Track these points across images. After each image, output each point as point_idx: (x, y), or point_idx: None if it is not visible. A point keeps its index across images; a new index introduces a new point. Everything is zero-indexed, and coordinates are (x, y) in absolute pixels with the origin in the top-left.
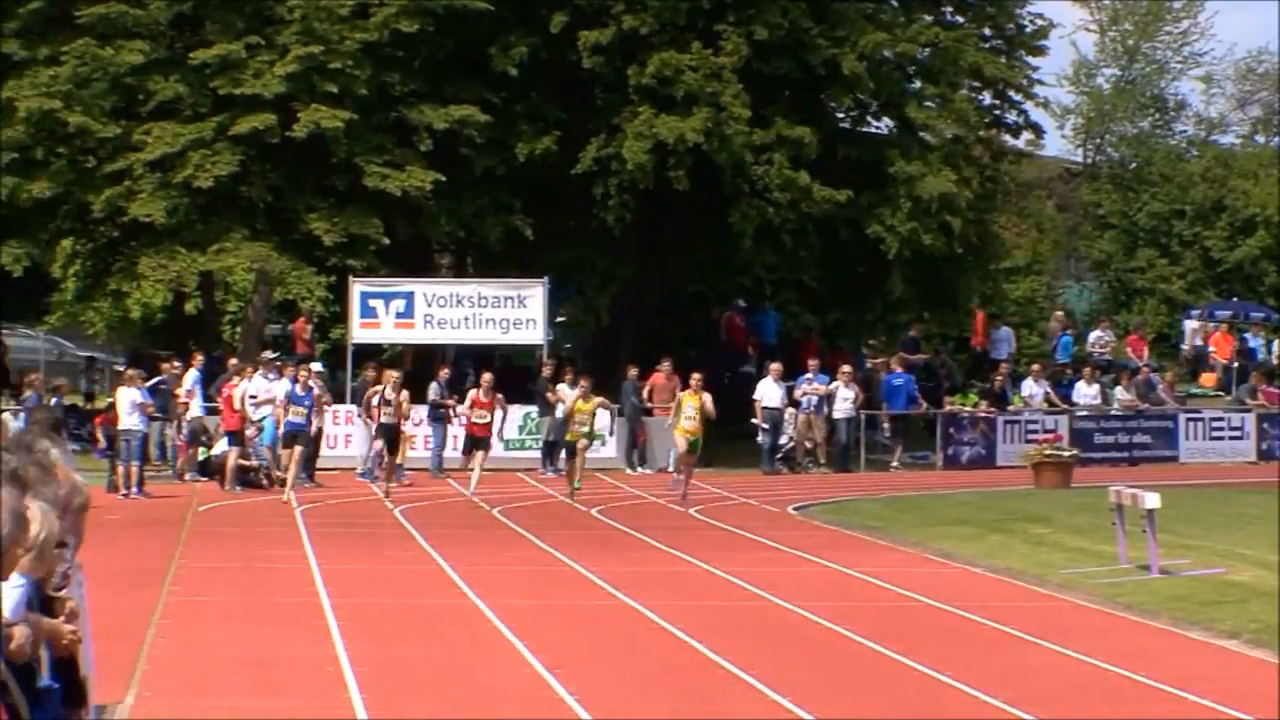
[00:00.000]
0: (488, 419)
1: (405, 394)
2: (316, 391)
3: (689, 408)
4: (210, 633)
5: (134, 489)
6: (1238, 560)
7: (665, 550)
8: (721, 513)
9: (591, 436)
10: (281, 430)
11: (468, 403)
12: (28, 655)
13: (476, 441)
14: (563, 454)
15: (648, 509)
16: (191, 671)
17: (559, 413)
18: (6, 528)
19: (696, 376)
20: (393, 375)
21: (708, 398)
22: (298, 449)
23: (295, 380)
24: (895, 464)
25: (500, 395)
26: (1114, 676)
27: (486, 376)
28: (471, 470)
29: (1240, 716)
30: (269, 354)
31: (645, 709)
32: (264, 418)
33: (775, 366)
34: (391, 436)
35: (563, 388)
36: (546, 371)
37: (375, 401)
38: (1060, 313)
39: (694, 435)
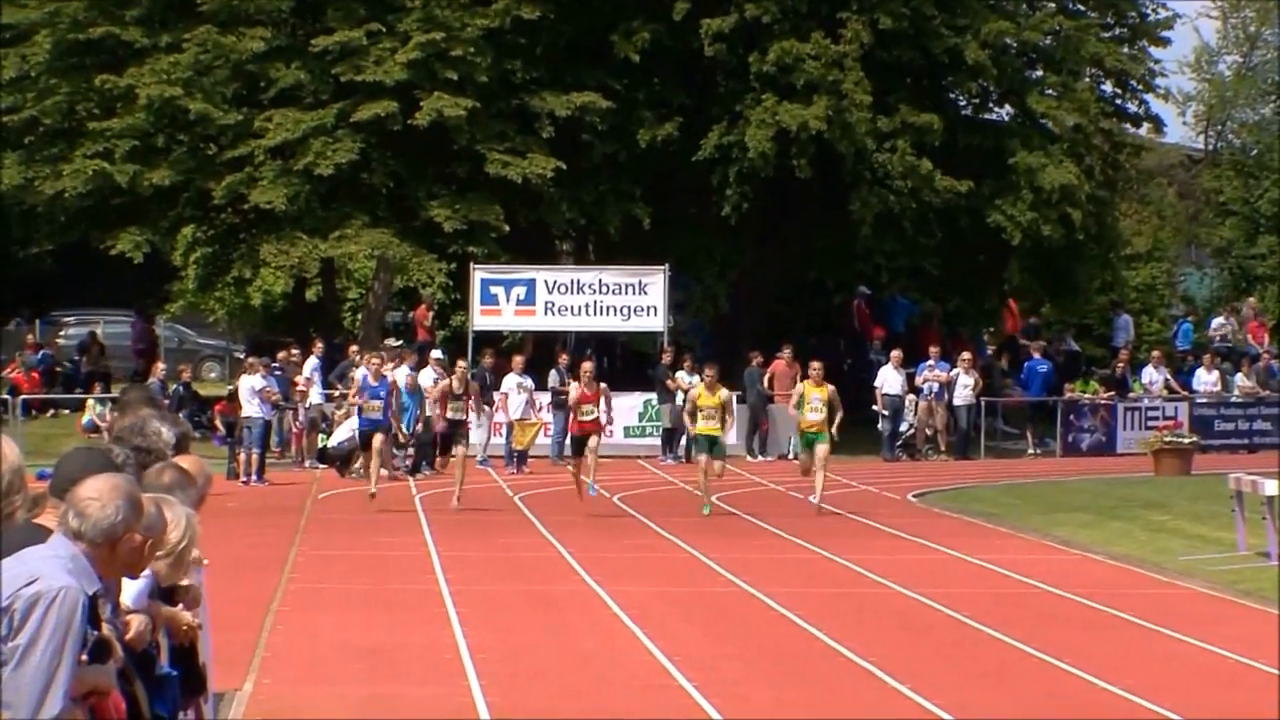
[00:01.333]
0: (594, 414)
1: (475, 387)
2: (431, 383)
3: (814, 399)
4: (329, 620)
5: (254, 476)
6: None
7: (785, 537)
8: (841, 500)
9: (721, 450)
10: (356, 429)
11: (572, 398)
12: (146, 643)
13: (582, 443)
14: (683, 443)
15: (768, 496)
16: (310, 659)
17: (679, 400)
18: (122, 514)
19: (816, 366)
20: (460, 366)
21: (832, 390)
22: (376, 442)
23: (367, 368)
24: (1031, 450)
25: (604, 384)
26: (1233, 664)
27: (587, 366)
28: (583, 478)
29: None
30: (392, 341)
31: (764, 696)
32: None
33: (895, 354)
34: (456, 432)
35: (681, 375)
36: (666, 359)
37: (436, 396)
38: (1253, 299)
39: (819, 430)
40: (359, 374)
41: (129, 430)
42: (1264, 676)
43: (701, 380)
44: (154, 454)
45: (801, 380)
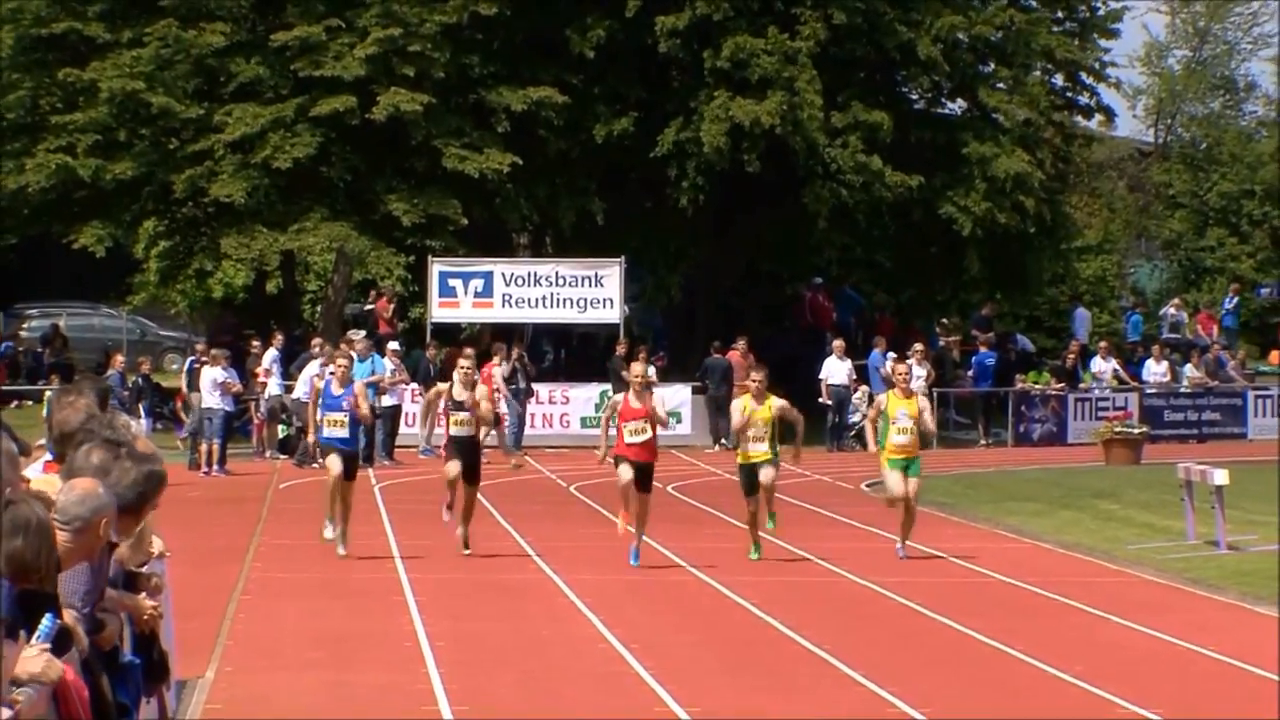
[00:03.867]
0: (648, 434)
1: (483, 389)
2: (388, 373)
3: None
4: (290, 608)
5: (215, 467)
6: None
7: (740, 526)
8: (794, 490)
9: (775, 462)
10: (315, 438)
11: (609, 409)
12: (114, 642)
13: (637, 472)
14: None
15: (723, 485)
16: (271, 647)
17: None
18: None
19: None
20: (463, 365)
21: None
22: (335, 467)
23: (331, 374)
24: (983, 441)
25: (656, 393)
26: (1181, 650)
27: (637, 368)
28: (631, 530)
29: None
30: (355, 333)
31: (718, 682)
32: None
33: (839, 344)
34: (468, 455)
35: (635, 365)
36: (621, 350)
37: (442, 406)
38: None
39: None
40: (310, 374)
41: (99, 423)
42: (1212, 662)
43: (748, 390)
44: (124, 445)
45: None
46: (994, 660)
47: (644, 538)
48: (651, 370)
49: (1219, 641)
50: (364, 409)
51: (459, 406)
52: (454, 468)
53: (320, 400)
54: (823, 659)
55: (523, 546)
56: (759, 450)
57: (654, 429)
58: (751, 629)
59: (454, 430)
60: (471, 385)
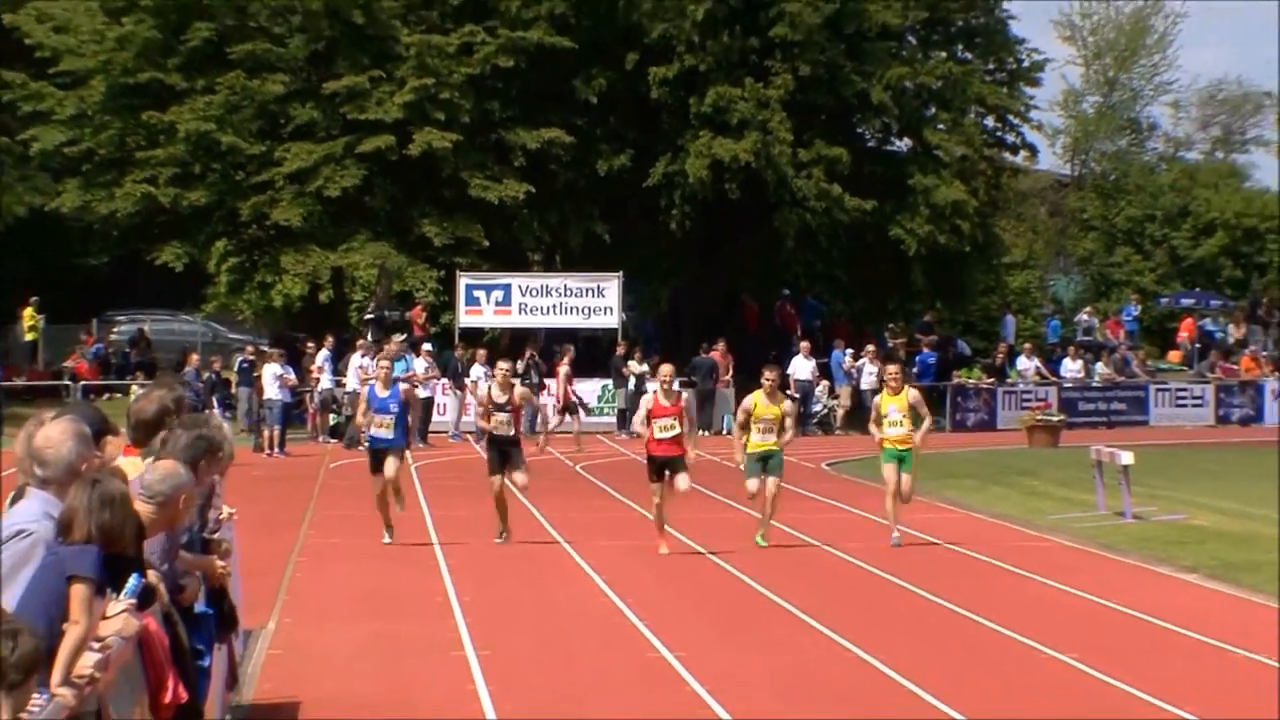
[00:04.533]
0: (676, 430)
1: (520, 389)
2: (422, 370)
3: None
4: (339, 569)
5: (276, 449)
6: (1197, 508)
7: (721, 500)
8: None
9: (777, 465)
10: (365, 441)
11: (642, 413)
12: (196, 598)
13: (662, 466)
14: (627, 425)
15: (707, 466)
16: (323, 601)
17: (630, 385)
18: (76, 450)
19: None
20: (502, 367)
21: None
22: (389, 469)
23: (375, 379)
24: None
25: (687, 395)
26: (1093, 605)
27: (666, 369)
28: (656, 507)
29: (1198, 638)
30: (397, 336)
31: (707, 633)
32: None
33: (804, 345)
34: (507, 452)
35: (632, 363)
36: (621, 350)
37: (481, 408)
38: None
39: (768, 448)
40: (355, 364)
41: (194, 421)
42: (1118, 614)
43: (761, 385)
44: (214, 443)
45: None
46: (933, 613)
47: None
48: (645, 368)
49: (1124, 597)
50: (418, 386)
51: (500, 408)
52: (496, 481)
53: (367, 404)
54: (787, 610)
55: (539, 518)
56: (768, 441)
57: (683, 425)
58: (728, 587)
59: (495, 430)
60: (509, 388)
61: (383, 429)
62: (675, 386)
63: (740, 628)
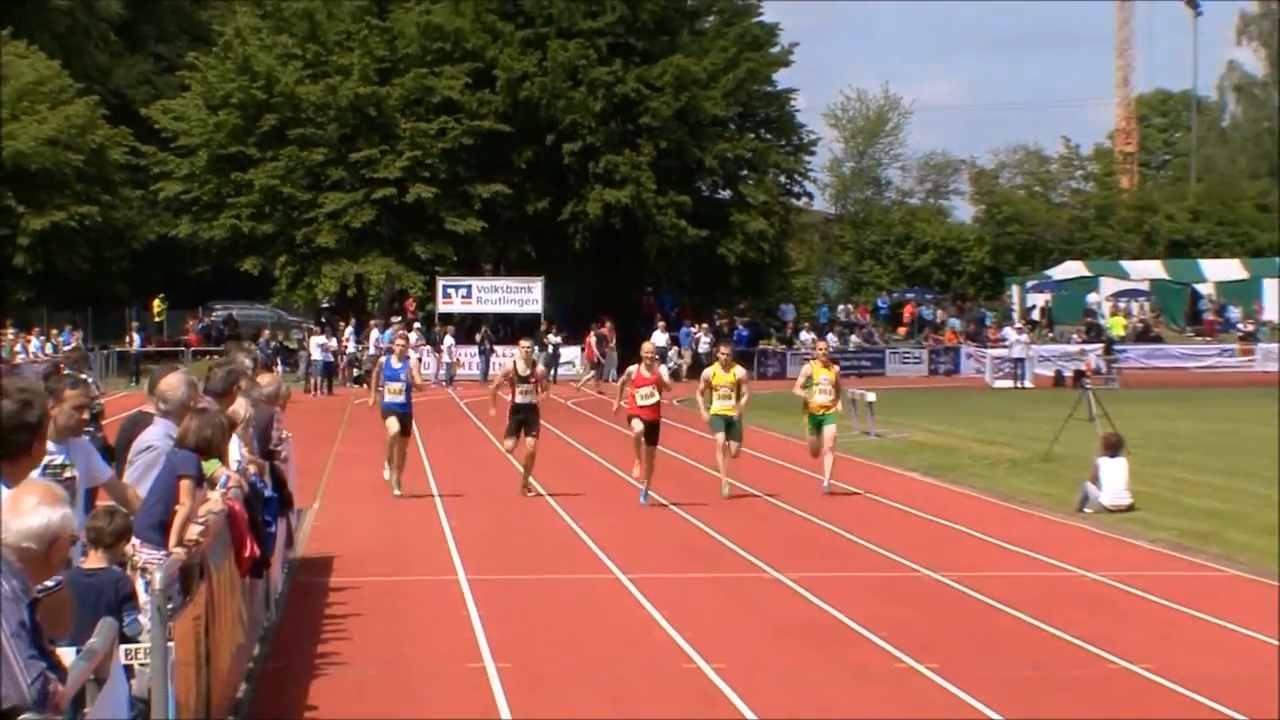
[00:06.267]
0: (655, 398)
1: (541, 368)
2: (413, 360)
3: (723, 387)
4: (361, 471)
5: (319, 392)
6: (917, 429)
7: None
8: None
9: (737, 431)
10: (376, 399)
11: (624, 379)
12: (252, 476)
13: (649, 427)
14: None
15: (599, 402)
16: (350, 492)
17: (550, 350)
18: (186, 392)
19: (724, 351)
20: (524, 344)
21: (742, 373)
22: (393, 427)
23: (390, 351)
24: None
25: (663, 368)
26: (850, 495)
27: (648, 346)
28: (638, 465)
29: (913, 512)
30: (397, 319)
31: (660, 563)
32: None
33: (661, 324)
34: (530, 417)
35: (550, 336)
36: (543, 327)
37: (499, 382)
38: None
39: (728, 412)
40: (374, 337)
41: (227, 362)
42: (863, 499)
43: (717, 359)
44: (235, 370)
45: (711, 366)
46: (763, 506)
47: (650, 490)
48: (559, 339)
49: (871, 486)
50: (417, 379)
51: (523, 380)
52: (510, 443)
53: (383, 373)
54: (707, 532)
55: (509, 459)
56: (726, 405)
57: (660, 393)
58: (685, 528)
59: (519, 399)
60: (532, 364)
61: (395, 395)
62: (671, 363)
63: (682, 552)
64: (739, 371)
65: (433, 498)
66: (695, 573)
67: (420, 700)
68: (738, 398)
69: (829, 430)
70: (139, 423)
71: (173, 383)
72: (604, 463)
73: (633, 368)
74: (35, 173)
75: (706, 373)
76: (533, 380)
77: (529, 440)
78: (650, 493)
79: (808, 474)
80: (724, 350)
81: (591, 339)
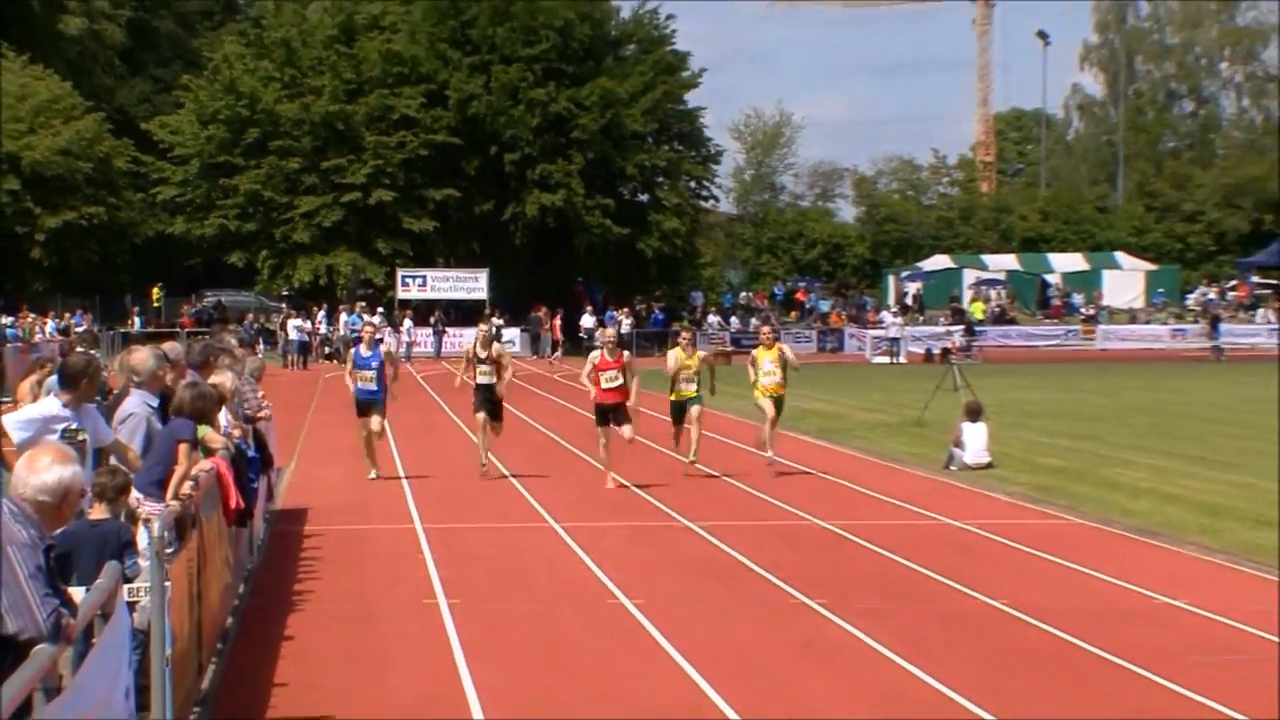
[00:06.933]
0: (619, 381)
1: (499, 347)
2: (385, 348)
3: (689, 369)
4: (333, 435)
5: (296, 368)
6: (808, 399)
7: (541, 395)
8: (563, 384)
9: (698, 399)
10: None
11: (589, 367)
12: (237, 440)
13: (607, 412)
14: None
15: (538, 378)
16: (323, 453)
17: (491, 329)
18: (156, 364)
19: (685, 335)
20: (482, 328)
21: (705, 355)
22: (374, 424)
23: (359, 339)
24: (659, 353)
25: (627, 352)
26: (754, 455)
27: (609, 333)
28: (603, 448)
29: (805, 470)
30: (361, 303)
31: (599, 515)
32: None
33: (589, 309)
34: (491, 399)
35: (494, 319)
36: (487, 310)
37: (466, 361)
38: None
39: (690, 396)
40: (344, 320)
41: (214, 339)
42: (761, 458)
43: (679, 344)
44: (211, 345)
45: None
46: (646, 453)
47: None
48: (501, 321)
49: (774, 450)
50: (396, 365)
51: (482, 361)
52: (482, 417)
53: (353, 361)
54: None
55: (459, 425)
56: (689, 390)
57: (625, 377)
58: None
59: (479, 379)
60: (489, 344)
61: (366, 382)
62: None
63: (607, 505)
64: (701, 355)
65: (393, 458)
66: (618, 521)
67: (381, 631)
68: (699, 382)
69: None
70: (120, 396)
71: (143, 357)
72: (541, 429)
73: (595, 353)
74: (50, 179)
75: (671, 354)
76: (491, 362)
77: (492, 424)
78: (614, 475)
79: (730, 444)
80: (685, 334)
81: (557, 321)
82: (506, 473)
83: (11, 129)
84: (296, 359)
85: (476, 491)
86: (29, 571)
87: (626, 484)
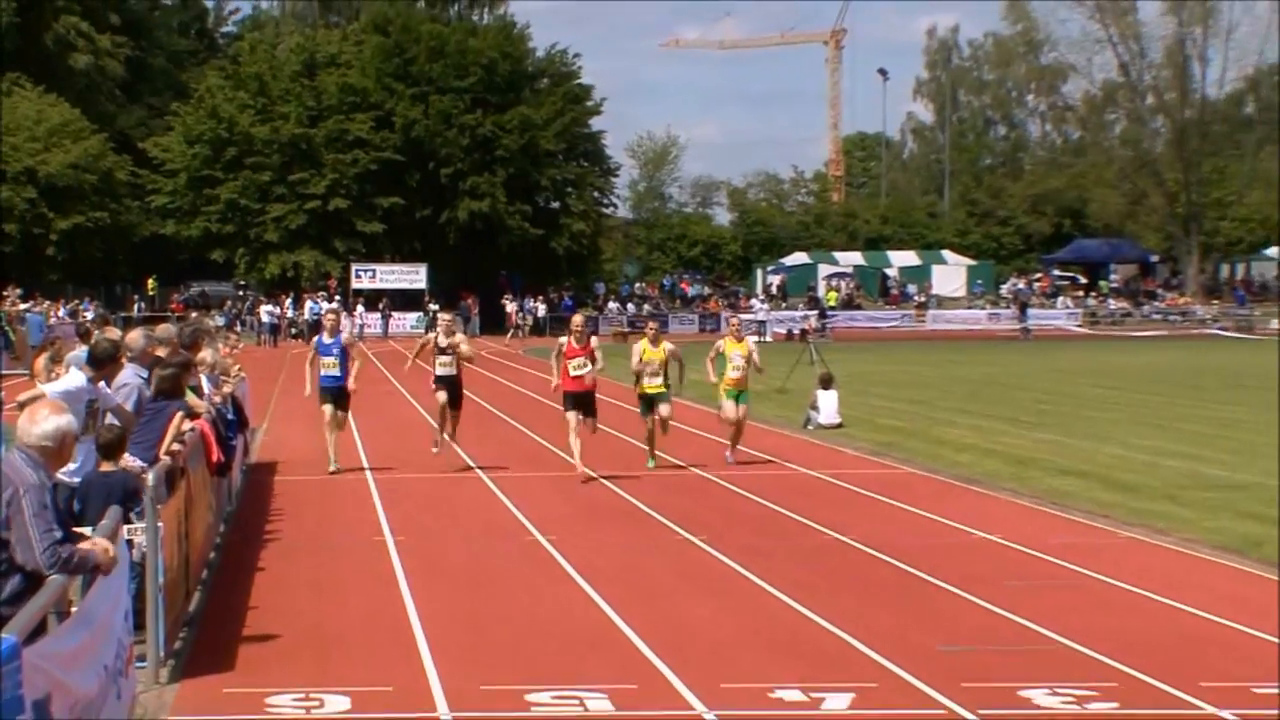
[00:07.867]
0: (587, 368)
1: (461, 335)
2: (345, 337)
3: (654, 362)
4: (298, 401)
5: (267, 345)
6: (690, 372)
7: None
8: (504, 363)
9: (664, 397)
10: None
11: (556, 352)
12: (218, 405)
13: (577, 400)
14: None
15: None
16: (295, 417)
17: (429, 315)
18: (144, 342)
19: (652, 326)
20: (444, 318)
21: (671, 348)
22: (328, 412)
23: (322, 327)
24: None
25: (595, 339)
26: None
27: (577, 319)
28: (575, 453)
29: (688, 429)
30: (321, 294)
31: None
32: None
33: (510, 297)
34: (452, 388)
35: (432, 306)
36: (427, 299)
37: (423, 350)
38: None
39: (656, 390)
40: (310, 307)
41: (196, 321)
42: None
43: (645, 335)
44: (198, 328)
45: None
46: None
47: (581, 466)
48: (436, 307)
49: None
50: (357, 352)
51: (443, 351)
52: (442, 397)
53: (316, 349)
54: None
55: (418, 409)
56: (655, 384)
57: (593, 364)
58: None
59: (439, 370)
60: (451, 334)
61: (329, 369)
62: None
63: (529, 459)
64: (667, 347)
65: (349, 423)
66: (536, 472)
67: (338, 564)
68: (667, 373)
69: (743, 408)
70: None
71: (134, 336)
72: (480, 401)
73: (563, 340)
74: (61, 189)
75: (636, 349)
76: (452, 352)
77: (451, 411)
78: (585, 469)
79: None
80: (652, 326)
81: (512, 306)
82: (447, 438)
83: (29, 147)
84: (267, 338)
85: (420, 448)
86: (33, 510)
87: (595, 475)
